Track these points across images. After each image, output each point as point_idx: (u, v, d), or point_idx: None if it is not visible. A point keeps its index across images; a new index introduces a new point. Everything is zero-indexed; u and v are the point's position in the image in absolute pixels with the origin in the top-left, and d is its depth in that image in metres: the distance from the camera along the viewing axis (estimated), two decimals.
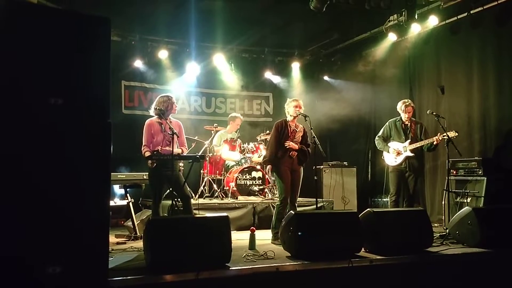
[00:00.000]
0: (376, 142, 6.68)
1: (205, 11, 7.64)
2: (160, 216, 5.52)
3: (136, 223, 5.97)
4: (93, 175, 2.89)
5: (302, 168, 5.87)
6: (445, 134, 5.98)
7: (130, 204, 6.04)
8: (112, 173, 4.93)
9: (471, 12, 6.89)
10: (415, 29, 7.42)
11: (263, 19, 8.15)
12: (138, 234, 5.86)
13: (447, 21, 7.31)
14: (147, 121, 5.60)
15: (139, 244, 5.26)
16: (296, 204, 5.88)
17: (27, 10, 2.90)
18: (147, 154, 5.42)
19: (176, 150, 5.45)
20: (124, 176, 6.03)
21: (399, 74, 8.83)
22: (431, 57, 8.11)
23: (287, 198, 5.66)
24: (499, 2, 6.50)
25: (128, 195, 6.06)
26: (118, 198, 6.26)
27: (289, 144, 5.71)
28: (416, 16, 6.94)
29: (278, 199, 5.82)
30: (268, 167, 5.91)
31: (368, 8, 6.47)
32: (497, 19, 6.71)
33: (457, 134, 6.02)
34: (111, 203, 5.92)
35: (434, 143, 6.11)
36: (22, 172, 2.70)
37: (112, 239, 5.77)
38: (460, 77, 7.50)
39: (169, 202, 5.78)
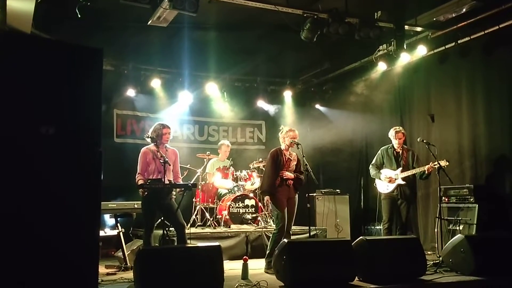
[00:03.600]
0: (370, 170, 6.70)
1: (198, 41, 7.75)
2: (151, 246, 5.45)
3: (126, 254, 5.89)
4: (83, 204, 2.87)
5: (296, 195, 5.87)
6: (436, 162, 6.01)
7: (121, 234, 5.97)
8: (102, 202, 4.89)
9: (459, 42, 7.04)
10: (405, 59, 7.53)
11: (255, 49, 8.26)
12: (129, 264, 5.78)
13: (435, 51, 7.44)
14: (142, 149, 5.64)
15: (130, 275, 5.18)
16: (291, 232, 5.85)
17: (19, 41, 2.93)
18: (140, 182, 5.41)
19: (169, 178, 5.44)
20: (115, 205, 5.98)
21: (389, 102, 8.94)
22: (421, 86, 8.23)
23: (284, 227, 5.64)
24: (485, 32, 6.66)
25: (118, 224, 5.99)
26: (109, 228, 6.20)
27: (286, 174, 5.72)
28: (405, 46, 7.06)
29: (275, 227, 5.78)
30: (266, 198, 5.85)
31: (358, 38, 6.58)
32: (484, 48, 6.85)
33: (448, 163, 6.04)
34: (102, 233, 5.86)
35: (426, 171, 6.14)
36: (9, 202, 2.67)
37: (102, 269, 5.69)
38: (449, 106, 7.60)
39: (161, 231, 5.72)
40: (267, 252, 5.68)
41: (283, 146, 5.87)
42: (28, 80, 2.81)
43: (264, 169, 6.28)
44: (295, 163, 5.89)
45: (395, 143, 6.47)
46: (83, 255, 2.90)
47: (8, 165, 2.69)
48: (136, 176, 5.52)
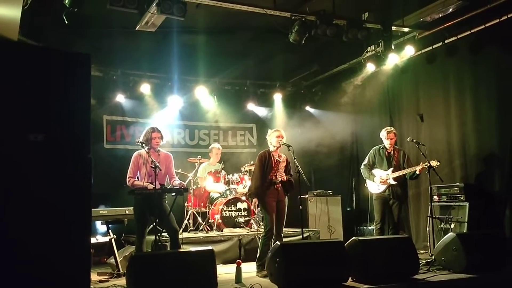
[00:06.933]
0: (361, 170, 6.71)
1: (187, 45, 7.74)
2: (143, 252, 5.42)
3: (118, 260, 5.84)
4: (73, 212, 2.84)
5: (286, 197, 5.87)
6: (427, 163, 6.03)
7: (112, 240, 5.93)
8: (93, 209, 4.86)
9: (446, 41, 7.10)
10: (393, 59, 7.59)
11: (244, 53, 8.28)
12: (121, 271, 5.73)
13: (423, 51, 7.51)
14: (135, 153, 5.63)
15: (122, 281, 5.14)
16: (282, 234, 5.85)
17: (5, 48, 2.91)
18: (136, 182, 5.39)
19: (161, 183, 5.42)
20: (106, 212, 5.94)
21: (379, 103, 8.99)
22: (410, 86, 8.28)
23: (272, 230, 5.63)
24: (472, 31, 6.73)
25: (110, 231, 5.95)
26: (100, 234, 6.15)
27: (282, 176, 5.72)
28: (392, 47, 7.12)
29: (263, 230, 5.78)
30: (254, 200, 5.81)
31: (346, 40, 6.63)
32: (471, 47, 6.93)
33: (439, 163, 6.06)
34: (93, 240, 5.81)
35: (417, 172, 6.17)
36: None
37: (94, 277, 5.65)
38: (438, 105, 7.65)
39: (153, 237, 5.69)
40: (257, 255, 5.67)
41: (271, 148, 5.86)
42: (14, 87, 2.79)
43: None
44: (284, 164, 5.87)
45: (387, 143, 6.50)
46: (74, 262, 2.87)
47: None
48: (127, 179, 5.50)
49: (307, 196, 8.72)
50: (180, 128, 9.74)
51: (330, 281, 4.55)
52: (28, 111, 2.82)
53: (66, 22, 5.55)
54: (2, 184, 2.68)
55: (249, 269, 5.70)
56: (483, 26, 6.54)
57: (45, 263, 2.76)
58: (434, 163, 6.01)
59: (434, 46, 7.32)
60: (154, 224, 5.36)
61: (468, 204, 6.39)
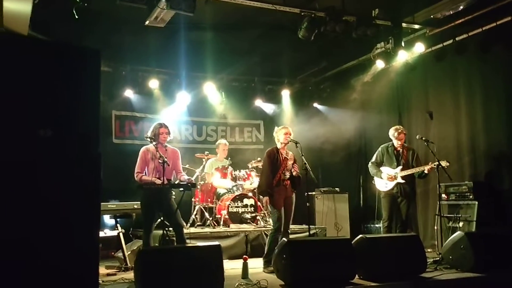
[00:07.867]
0: (369, 168, 6.67)
1: (195, 41, 7.74)
2: (151, 247, 5.45)
3: (126, 254, 5.88)
4: (82, 206, 2.86)
5: (294, 194, 5.86)
6: (437, 163, 5.98)
7: (121, 234, 5.97)
8: (102, 203, 4.89)
9: (456, 39, 7.05)
10: (402, 56, 7.54)
11: (252, 49, 8.26)
12: (129, 265, 5.78)
13: (433, 48, 7.45)
14: (142, 148, 5.65)
15: (130, 275, 5.17)
16: (289, 231, 5.85)
17: (15, 43, 2.93)
18: (144, 178, 5.42)
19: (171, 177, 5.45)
20: (115, 206, 5.98)
21: (387, 100, 8.94)
22: (419, 83, 8.23)
23: (281, 227, 5.63)
24: (483, 29, 6.66)
25: (118, 225, 5.98)
26: (109, 228, 6.19)
27: (295, 170, 5.75)
28: (402, 44, 7.06)
29: (272, 227, 5.77)
30: (265, 199, 5.73)
31: (356, 36, 6.59)
32: (481, 45, 6.86)
33: (449, 163, 6.01)
34: (102, 234, 5.86)
35: (425, 171, 6.13)
36: (6, 205, 2.66)
37: (102, 270, 5.69)
38: (447, 103, 7.61)
39: (160, 232, 5.72)
40: (265, 251, 5.68)
41: (279, 145, 5.85)
42: (25, 82, 2.80)
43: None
44: (291, 162, 5.87)
45: (396, 143, 6.44)
46: (83, 257, 2.89)
47: (5, 169, 2.68)
48: (135, 175, 5.51)
49: (314, 193, 8.72)
50: (187, 124, 9.76)
51: (337, 279, 4.55)
52: (38, 106, 2.84)
53: (76, 17, 5.57)
54: (12, 180, 2.70)
55: (256, 265, 5.71)
56: (494, 24, 6.48)
57: (54, 258, 2.78)
58: (444, 163, 5.96)
59: (444, 44, 7.26)
60: (161, 219, 5.38)
61: (477, 203, 6.35)
